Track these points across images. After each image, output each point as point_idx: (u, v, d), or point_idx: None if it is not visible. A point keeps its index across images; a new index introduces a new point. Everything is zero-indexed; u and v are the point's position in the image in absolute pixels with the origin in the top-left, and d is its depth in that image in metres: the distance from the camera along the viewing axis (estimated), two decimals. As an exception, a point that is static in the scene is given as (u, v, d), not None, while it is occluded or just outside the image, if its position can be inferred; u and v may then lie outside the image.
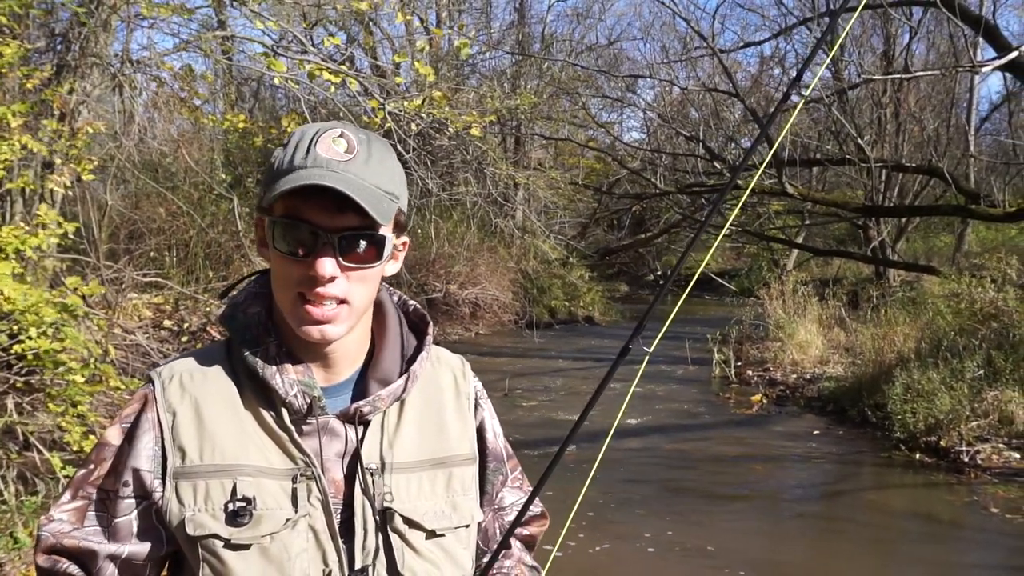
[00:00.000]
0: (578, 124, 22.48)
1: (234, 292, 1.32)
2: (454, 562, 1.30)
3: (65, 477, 5.00)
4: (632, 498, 6.88)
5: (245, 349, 1.24)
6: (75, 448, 4.94)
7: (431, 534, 1.28)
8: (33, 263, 5.97)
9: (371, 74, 11.93)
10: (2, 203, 6.51)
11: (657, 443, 8.71)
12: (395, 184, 1.24)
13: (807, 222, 20.47)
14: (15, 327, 4.85)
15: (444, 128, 8.78)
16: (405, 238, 1.34)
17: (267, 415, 1.23)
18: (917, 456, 7.80)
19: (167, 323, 8.65)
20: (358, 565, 1.22)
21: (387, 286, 1.39)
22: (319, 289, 1.17)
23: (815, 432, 9.01)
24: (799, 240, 20.00)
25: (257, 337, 1.25)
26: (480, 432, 1.41)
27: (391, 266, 1.31)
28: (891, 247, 16.87)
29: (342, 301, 1.20)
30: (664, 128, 19.91)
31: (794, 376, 11.47)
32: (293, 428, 1.22)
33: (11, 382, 5.29)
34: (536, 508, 1.51)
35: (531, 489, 1.52)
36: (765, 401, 10.51)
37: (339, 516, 1.23)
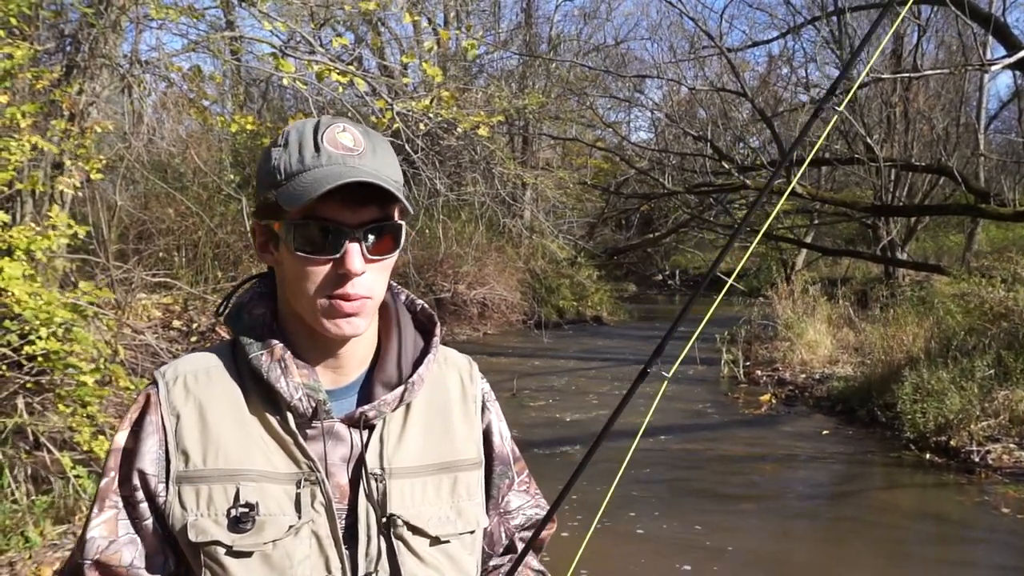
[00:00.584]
0: (586, 124, 22.51)
1: (234, 299, 1.31)
2: (459, 569, 1.28)
3: (75, 476, 5.02)
4: (640, 497, 6.87)
5: (250, 351, 1.22)
6: (85, 448, 4.95)
7: (435, 540, 1.25)
8: (43, 264, 5.99)
9: (379, 74, 11.93)
10: (12, 204, 6.54)
11: (666, 442, 8.69)
12: (399, 172, 1.24)
13: (816, 222, 20.44)
14: (26, 328, 4.87)
15: (452, 128, 8.79)
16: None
17: (272, 418, 1.21)
18: (927, 456, 7.78)
19: (176, 323, 8.67)
20: (361, 572, 1.20)
21: (394, 285, 1.37)
22: (349, 289, 1.16)
23: (824, 432, 8.98)
24: (808, 239, 19.96)
25: (262, 339, 1.23)
26: (487, 435, 1.38)
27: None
28: (901, 247, 16.82)
29: (368, 297, 1.19)
30: (672, 128, 19.91)
31: (803, 376, 11.44)
32: (298, 432, 1.21)
33: (22, 382, 5.31)
34: (543, 512, 1.49)
35: (538, 492, 1.51)
36: (774, 401, 10.49)
37: (343, 522, 1.21)
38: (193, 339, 8.73)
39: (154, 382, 1.25)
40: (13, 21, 5.34)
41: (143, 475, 1.20)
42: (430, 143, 11.81)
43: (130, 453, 1.21)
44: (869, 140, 14.24)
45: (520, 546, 1.45)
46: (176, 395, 1.22)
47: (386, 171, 1.18)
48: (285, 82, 7.29)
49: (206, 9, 8.35)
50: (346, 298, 1.17)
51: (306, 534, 1.18)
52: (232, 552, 1.16)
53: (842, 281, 17.71)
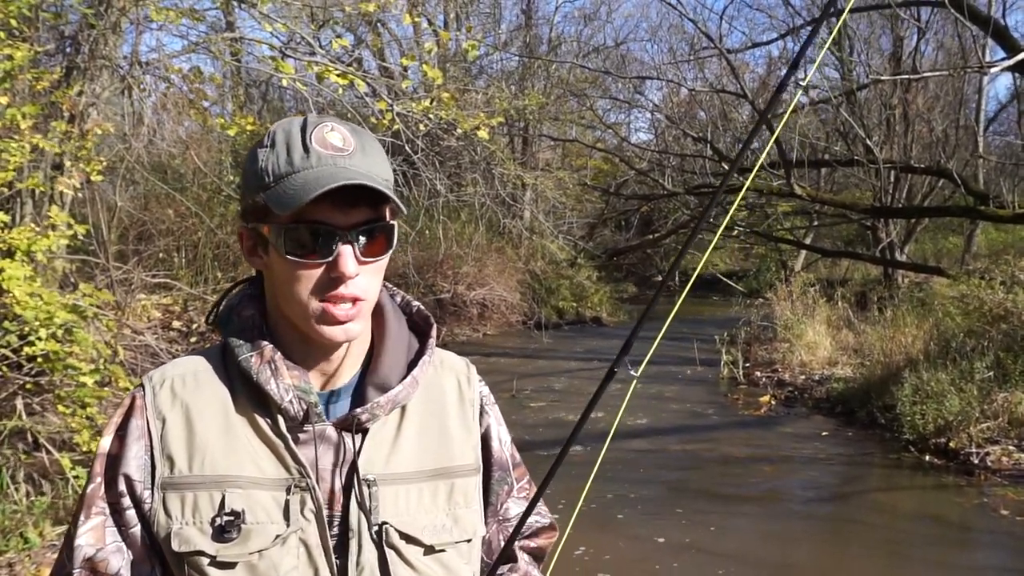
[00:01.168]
0: (586, 125, 22.52)
1: (223, 305, 1.27)
2: None
3: (75, 478, 5.02)
4: (640, 498, 6.87)
5: (240, 353, 1.19)
6: (84, 449, 4.96)
7: (430, 549, 1.21)
8: (43, 265, 5.99)
9: (379, 75, 11.95)
10: (12, 204, 6.55)
11: (665, 443, 8.70)
12: (389, 171, 1.20)
13: (815, 223, 20.44)
14: (25, 329, 4.87)
15: (452, 129, 8.79)
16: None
17: (262, 422, 1.18)
18: (926, 458, 7.78)
19: (176, 324, 8.68)
20: None
21: (388, 285, 1.34)
22: (342, 291, 1.14)
23: (824, 433, 8.99)
24: (807, 241, 19.97)
25: (252, 340, 1.20)
26: (485, 440, 1.34)
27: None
28: (900, 248, 16.82)
29: (362, 299, 1.17)
30: (672, 129, 19.90)
31: (802, 377, 11.45)
32: (288, 436, 1.17)
33: (21, 383, 5.32)
34: (544, 519, 1.47)
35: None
36: (773, 402, 10.49)
37: (335, 530, 1.17)
38: (193, 339, 8.73)
39: (141, 385, 1.22)
40: (13, 22, 5.35)
41: (129, 481, 1.16)
42: (430, 144, 11.82)
43: (115, 458, 1.18)
44: (868, 142, 14.24)
45: (520, 555, 1.42)
46: (162, 399, 1.19)
47: (377, 170, 1.16)
48: (285, 83, 7.30)
49: (206, 11, 8.36)
50: (340, 300, 1.14)
51: (294, 543, 1.15)
52: (216, 562, 1.13)
53: (841, 282, 17.70)
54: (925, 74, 12.43)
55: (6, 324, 4.98)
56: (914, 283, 15.85)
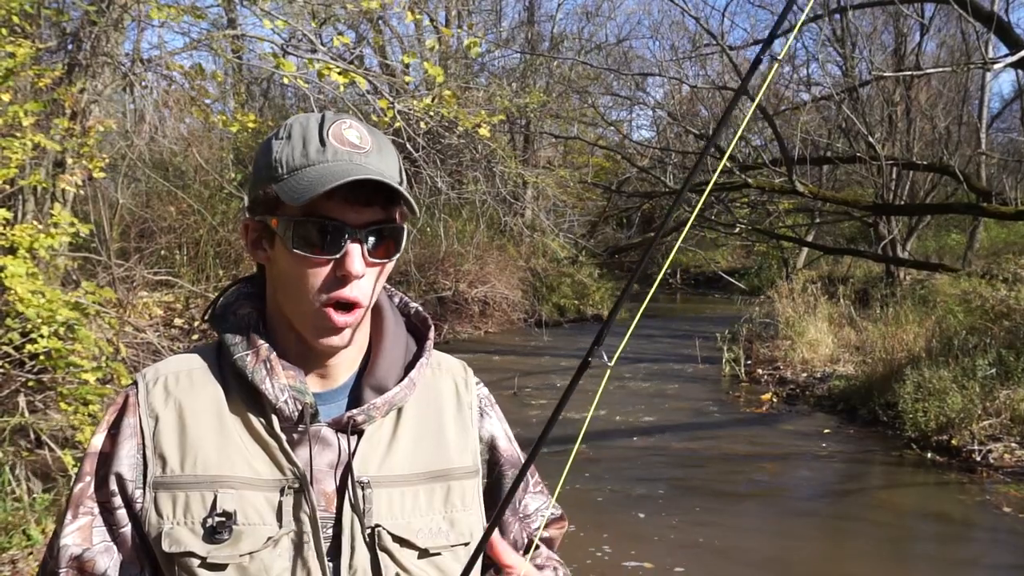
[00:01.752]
0: (587, 122, 22.50)
1: (219, 303, 1.26)
2: None
3: (77, 475, 5.03)
4: (642, 496, 6.87)
5: (235, 352, 1.18)
6: (86, 446, 4.96)
7: (424, 553, 1.19)
8: (45, 262, 5.99)
9: (380, 73, 11.94)
10: (14, 201, 6.55)
11: (667, 441, 8.70)
12: (402, 173, 1.20)
13: (817, 220, 20.44)
14: (28, 326, 4.87)
15: (453, 127, 8.79)
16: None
17: (256, 422, 1.16)
18: (928, 455, 7.78)
19: (178, 321, 8.66)
20: None
21: (388, 287, 1.32)
22: (346, 292, 1.13)
23: (825, 431, 8.98)
24: (809, 238, 19.96)
25: (248, 339, 1.19)
26: (492, 442, 1.33)
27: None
28: (902, 245, 16.81)
29: (363, 305, 1.15)
30: (674, 126, 19.90)
31: (804, 375, 11.44)
32: (283, 436, 1.15)
33: (23, 380, 5.32)
34: (556, 511, 1.45)
35: (546, 492, 1.46)
36: (775, 400, 10.48)
37: (328, 532, 1.16)
38: (195, 337, 8.73)
39: (134, 383, 1.21)
40: (15, 19, 5.35)
41: (120, 480, 1.15)
42: (431, 142, 11.83)
43: (107, 457, 1.17)
44: (871, 139, 14.23)
45: (542, 546, 1.41)
46: (155, 397, 1.18)
47: (391, 171, 1.15)
48: (286, 81, 7.30)
49: (208, 8, 8.36)
50: (343, 301, 1.13)
51: (285, 545, 1.13)
52: (206, 564, 1.11)
53: (843, 280, 17.70)
54: (928, 70, 12.42)
55: (8, 321, 4.98)
56: (916, 280, 15.83)
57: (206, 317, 1.26)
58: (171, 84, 7.68)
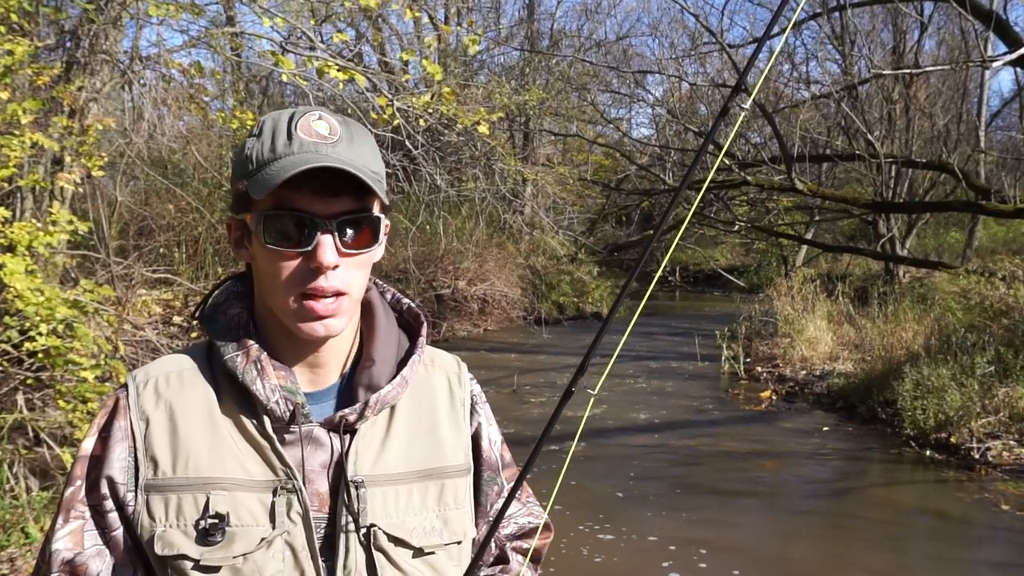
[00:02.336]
0: (587, 120, 22.49)
1: (211, 299, 1.25)
2: None
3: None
4: (641, 494, 6.88)
5: (225, 352, 1.17)
6: (77, 450, 4.96)
7: (419, 552, 1.19)
8: (44, 260, 5.99)
9: (379, 70, 11.93)
10: (13, 200, 6.54)
11: (666, 439, 8.70)
12: (379, 164, 1.17)
13: (816, 218, 20.43)
14: (26, 324, 4.87)
15: (452, 124, 8.78)
16: (387, 221, 1.24)
17: (248, 422, 1.15)
18: (927, 453, 7.78)
19: (177, 319, 8.66)
20: None
21: (379, 282, 1.31)
22: (322, 283, 1.11)
23: (824, 428, 8.99)
24: (808, 236, 19.96)
25: (238, 339, 1.18)
26: (475, 439, 1.31)
27: (378, 251, 1.22)
28: (901, 243, 16.82)
29: (344, 293, 1.14)
30: (673, 124, 19.90)
31: (803, 372, 11.45)
32: (275, 437, 1.14)
33: (22, 378, 5.32)
34: (537, 520, 1.43)
35: (531, 500, 1.45)
36: (774, 397, 10.49)
37: (322, 532, 1.15)
38: (193, 335, 8.72)
39: (124, 385, 1.20)
40: (14, 17, 5.34)
41: (112, 483, 1.14)
42: (430, 139, 11.82)
43: (98, 460, 1.16)
44: (870, 136, 14.23)
45: (513, 556, 1.39)
46: (146, 399, 1.17)
47: (363, 162, 1.12)
48: (285, 78, 7.29)
49: (207, 5, 8.35)
50: (319, 293, 1.11)
51: (279, 546, 1.13)
52: (199, 566, 1.11)
53: (842, 278, 17.70)
54: (927, 68, 12.42)
55: (7, 319, 4.98)
56: (915, 278, 15.84)
57: (196, 315, 1.25)
58: (170, 82, 7.67)
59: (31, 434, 5.45)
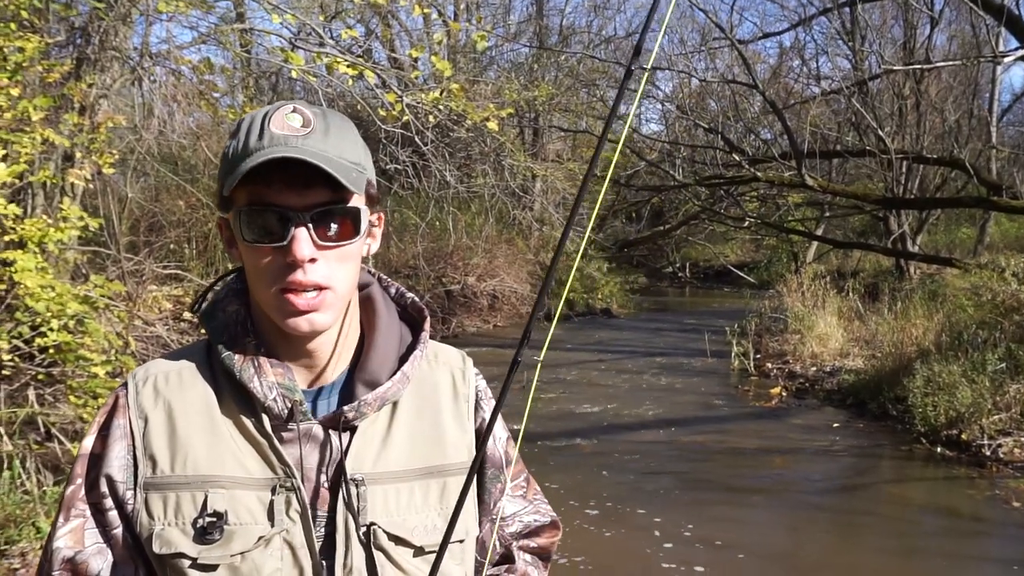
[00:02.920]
0: (596, 116, 22.46)
1: (210, 295, 1.25)
2: None
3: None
4: (650, 490, 6.87)
5: (223, 349, 1.16)
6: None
7: (420, 551, 1.18)
8: (55, 256, 6.02)
9: (389, 66, 11.93)
10: (24, 196, 6.57)
11: (675, 435, 8.69)
12: (359, 155, 1.14)
13: (827, 214, 20.38)
14: (37, 320, 4.89)
15: (462, 120, 8.78)
16: (380, 213, 1.23)
17: (246, 421, 1.15)
18: (938, 449, 7.75)
19: (187, 315, 8.68)
20: None
21: (383, 277, 1.30)
22: (300, 277, 1.09)
23: (835, 425, 8.96)
24: (818, 232, 19.90)
25: (236, 337, 1.17)
26: (479, 436, 1.28)
27: (370, 244, 1.21)
28: (912, 239, 16.75)
29: (325, 287, 1.11)
30: (683, 120, 19.84)
31: (814, 369, 11.41)
32: (273, 435, 1.14)
33: (33, 374, 5.35)
34: (545, 518, 1.41)
35: (538, 497, 1.42)
36: (784, 394, 10.46)
37: (322, 530, 1.14)
38: (203, 331, 8.76)
39: (124, 384, 1.20)
40: (24, 14, 5.36)
41: (111, 481, 1.14)
42: (440, 135, 11.82)
43: (97, 458, 1.16)
44: (880, 132, 14.16)
45: (518, 555, 1.38)
46: (145, 397, 1.17)
47: (337, 151, 1.10)
48: (295, 75, 7.30)
49: (216, 1, 8.37)
50: (297, 287, 1.10)
51: (277, 544, 1.12)
52: (197, 565, 1.11)
53: (853, 274, 17.65)
54: (938, 64, 12.35)
55: (18, 315, 5.00)
56: (926, 274, 15.78)
57: (194, 311, 1.25)
58: (179, 78, 7.69)
59: (42, 429, 5.47)
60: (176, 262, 10.01)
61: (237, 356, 1.16)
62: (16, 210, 5.02)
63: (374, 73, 7.42)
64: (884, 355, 10.13)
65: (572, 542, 5.56)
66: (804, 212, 20.86)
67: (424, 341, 1.26)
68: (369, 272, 1.29)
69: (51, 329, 4.83)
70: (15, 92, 5.01)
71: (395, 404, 1.22)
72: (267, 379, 1.14)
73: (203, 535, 1.10)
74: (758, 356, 12.42)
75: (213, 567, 1.11)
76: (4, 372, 5.15)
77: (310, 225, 1.09)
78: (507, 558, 1.37)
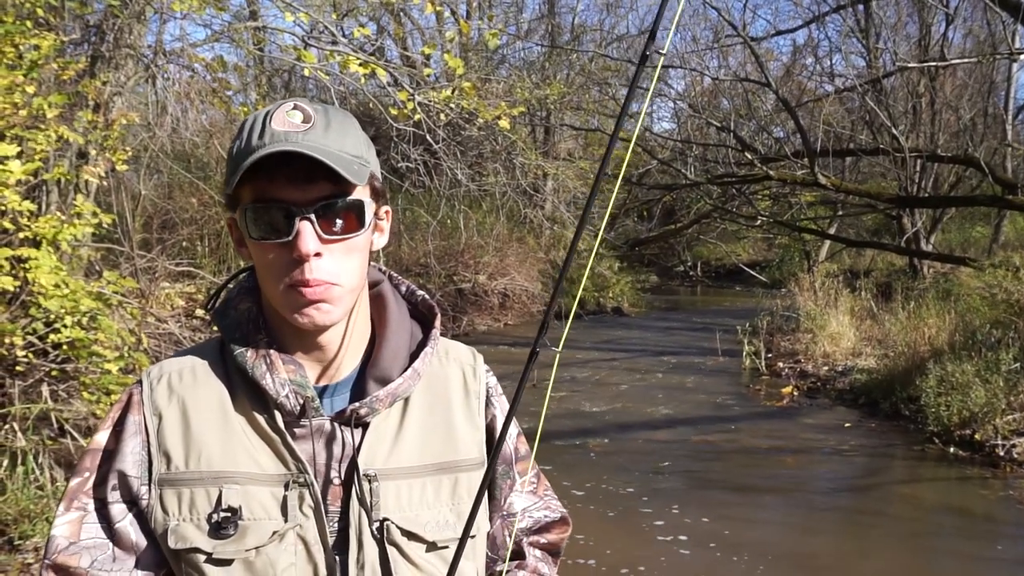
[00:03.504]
0: (608, 114, 22.43)
1: (224, 293, 1.26)
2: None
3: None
4: (661, 489, 6.86)
5: (235, 347, 1.17)
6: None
7: (432, 546, 1.19)
8: (69, 253, 6.05)
9: (401, 64, 11.95)
10: (38, 193, 6.61)
11: (687, 435, 8.68)
12: (361, 149, 1.15)
13: (840, 213, 20.28)
14: (51, 316, 4.92)
15: (473, 119, 8.78)
16: (387, 207, 1.23)
17: (259, 417, 1.16)
18: (951, 450, 7.71)
19: (199, 312, 8.72)
20: None
21: (393, 275, 1.31)
22: (306, 273, 1.10)
23: (847, 425, 8.93)
24: (831, 231, 19.81)
25: (248, 334, 1.19)
26: (490, 432, 1.30)
27: (378, 239, 1.21)
28: (925, 238, 16.66)
29: (333, 283, 1.12)
30: (695, 118, 19.79)
31: (825, 368, 11.37)
32: (286, 431, 1.15)
33: (47, 370, 5.37)
34: (555, 514, 1.42)
35: (548, 493, 1.43)
36: (796, 393, 10.43)
37: (335, 526, 1.16)
38: (215, 328, 8.79)
39: (139, 381, 1.21)
40: (40, 12, 5.39)
41: (124, 477, 1.15)
42: (451, 133, 11.83)
43: (111, 454, 1.17)
44: (894, 130, 14.09)
45: (529, 551, 1.39)
46: (159, 395, 1.18)
47: (337, 145, 1.11)
48: (307, 72, 7.32)
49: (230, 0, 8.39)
50: (304, 284, 1.10)
51: (291, 540, 1.13)
52: (212, 559, 1.12)
53: (866, 273, 17.58)
54: (953, 61, 12.27)
55: (32, 311, 5.03)
56: (940, 273, 15.69)
57: (208, 308, 1.26)
58: (193, 76, 7.72)
59: (55, 425, 5.50)
60: (189, 259, 10.05)
61: (249, 353, 1.17)
62: (31, 207, 5.05)
63: (386, 71, 7.43)
64: (897, 354, 10.09)
65: (582, 539, 5.56)
66: (817, 211, 20.75)
67: (435, 338, 1.27)
68: (380, 270, 1.30)
69: (64, 326, 4.86)
70: (30, 89, 5.04)
71: (406, 400, 1.23)
72: (279, 376, 1.15)
73: (218, 530, 1.12)
74: (769, 355, 12.38)
75: (228, 562, 1.12)
76: (18, 368, 5.18)
77: (313, 218, 1.10)
78: (518, 554, 1.38)
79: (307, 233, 1.09)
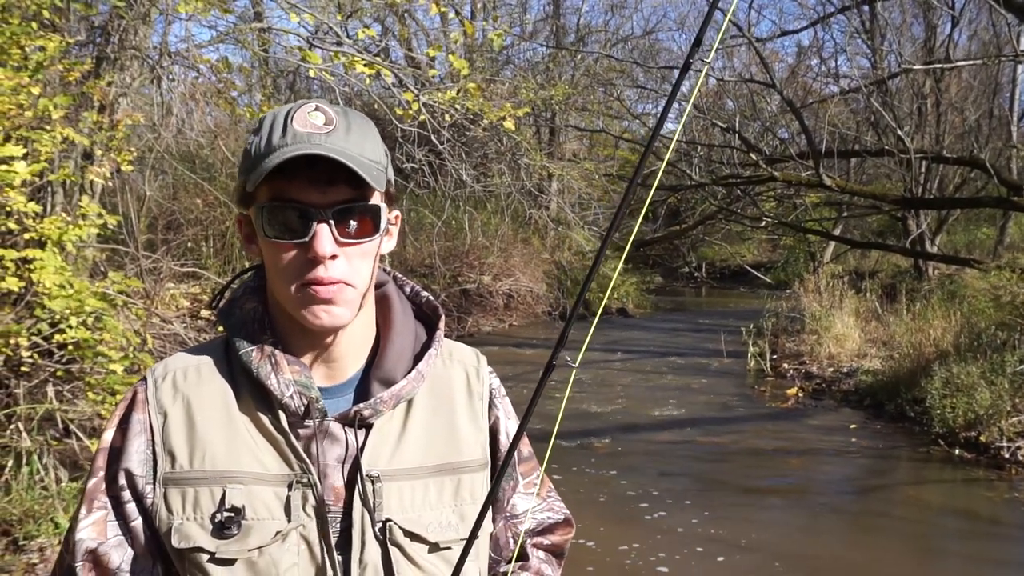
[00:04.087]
0: (613, 115, 22.42)
1: (228, 292, 1.26)
2: None
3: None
4: (666, 491, 6.85)
5: (240, 347, 1.18)
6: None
7: (435, 547, 1.19)
8: (74, 254, 6.06)
9: (406, 65, 11.96)
10: (43, 194, 6.62)
11: (692, 436, 8.67)
12: (379, 154, 1.16)
13: (845, 214, 20.25)
14: (57, 316, 4.93)
15: (478, 120, 8.79)
16: (396, 212, 1.24)
17: (263, 417, 1.16)
18: (956, 451, 7.69)
19: (204, 313, 8.73)
20: None
21: (398, 276, 1.31)
22: (320, 273, 1.10)
23: (852, 426, 8.91)
24: (836, 232, 19.77)
25: (253, 334, 1.19)
26: (493, 434, 1.30)
27: (386, 243, 1.22)
28: (931, 239, 16.62)
29: (346, 284, 1.13)
30: (700, 119, 19.77)
31: (831, 369, 11.35)
32: (290, 431, 1.15)
33: (52, 370, 5.38)
34: (559, 515, 1.43)
35: (552, 494, 1.43)
36: (801, 394, 10.41)
37: (338, 526, 1.16)
38: (220, 329, 8.80)
39: (144, 379, 1.21)
40: (45, 13, 5.40)
41: (130, 475, 1.16)
42: (456, 134, 11.82)
43: (117, 452, 1.17)
44: (899, 132, 14.06)
45: (532, 552, 1.39)
46: (164, 393, 1.18)
47: (359, 150, 1.11)
48: (312, 74, 7.32)
49: (235, 1, 8.40)
50: (318, 282, 1.11)
51: (294, 540, 1.14)
52: (215, 559, 1.12)
53: (871, 274, 17.53)
54: (958, 63, 12.23)
55: (37, 311, 5.04)
56: (945, 275, 15.65)
57: (213, 307, 1.26)
58: (198, 77, 7.73)
59: (60, 425, 5.51)
60: (193, 260, 10.07)
61: (254, 353, 1.17)
62: (36, 208, 5.06)
63: (391, 72, 7.43)
64: (902, 356, 10.06)
65: (587, 541, 5.56)
66: (822, 212, 20.70)
67: (439, 340, 1.27)
68: (384, 271, 1.30)
69: (70, 326, 4.87)
70: (36, 90, 5.05)
71: (410, 402, 1.23)
72: (284, 376, 1.15)
73: (221, 530, 1.12)
74: (774, 356, 12.36)
75: (231, 561, 1.13)
76: (23, 368, 5.19)
77: (331, 222, 1.10)
78: (521, 555, 1.38)
79: (324, 235, 1.10)
